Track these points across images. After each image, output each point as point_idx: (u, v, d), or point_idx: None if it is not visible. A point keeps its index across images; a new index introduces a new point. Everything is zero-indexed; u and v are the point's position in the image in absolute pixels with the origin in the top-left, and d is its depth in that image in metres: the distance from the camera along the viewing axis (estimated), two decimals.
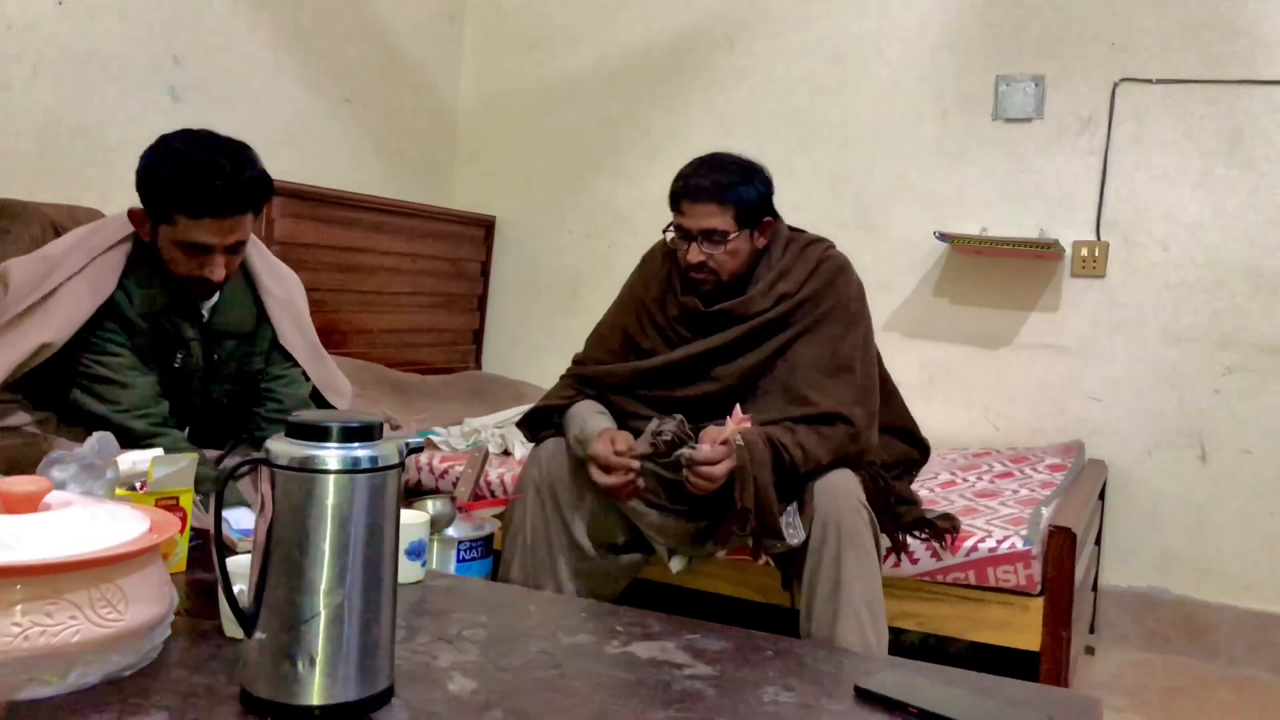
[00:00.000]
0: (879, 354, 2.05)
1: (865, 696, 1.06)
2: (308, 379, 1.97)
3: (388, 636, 0.97)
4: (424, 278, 3.49)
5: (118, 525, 1.01)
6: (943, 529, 2.04)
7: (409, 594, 1.31)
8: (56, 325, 1.64)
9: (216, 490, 0.93)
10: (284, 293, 1.93)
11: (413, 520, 1.37)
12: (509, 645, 1.14)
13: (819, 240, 2.03)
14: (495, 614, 1.25)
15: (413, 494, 2.30)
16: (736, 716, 1.00)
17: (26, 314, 1.65)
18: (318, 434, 0.93)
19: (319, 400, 2.01)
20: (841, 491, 1.82)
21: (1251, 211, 2.85)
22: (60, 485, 1.22)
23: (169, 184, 1.63)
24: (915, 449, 2.15)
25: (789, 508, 1.85)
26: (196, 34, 2.76)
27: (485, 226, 3.74)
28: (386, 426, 2.33)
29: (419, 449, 1.01)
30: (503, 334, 3.78)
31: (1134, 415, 2.97)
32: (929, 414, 2.21)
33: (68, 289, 1.66)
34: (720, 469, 1.75)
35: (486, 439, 2.76)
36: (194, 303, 1.79)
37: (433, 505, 1.64)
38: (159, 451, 1.30)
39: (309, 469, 0.92)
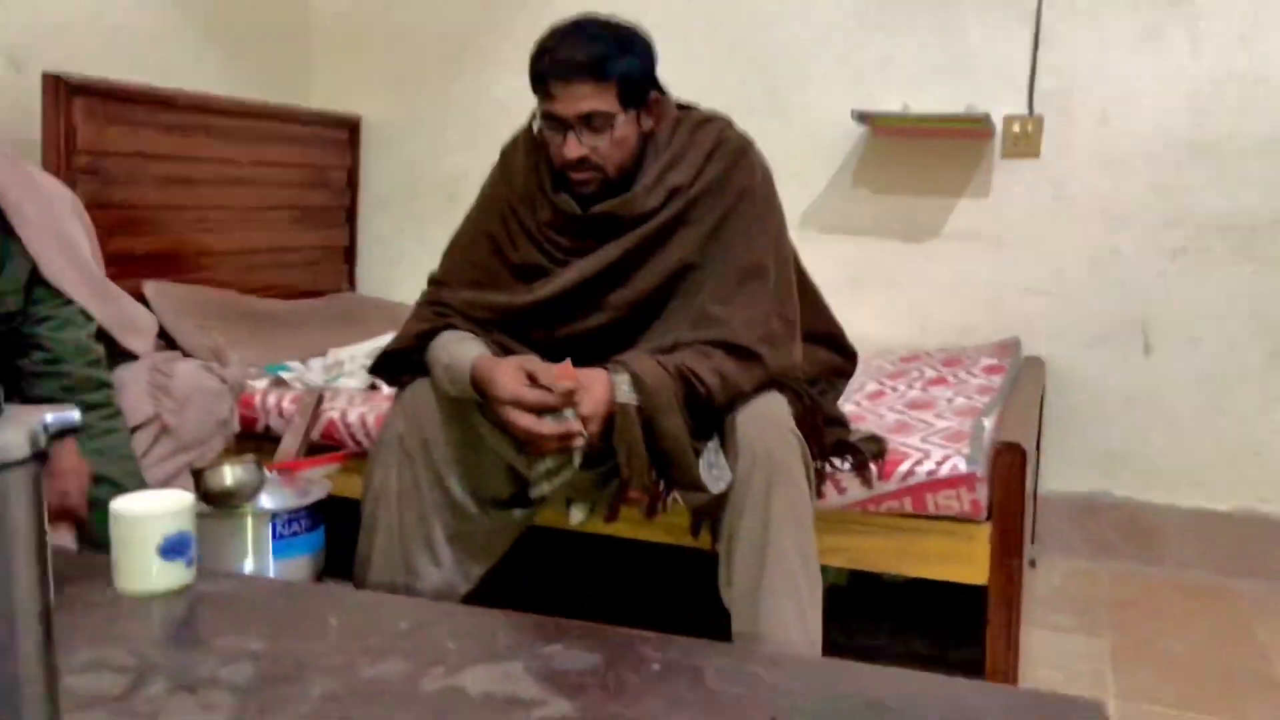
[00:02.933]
0: (795, 251, 1.73)
1: None
2: (90, 319, 1.55)
3: None
4: (278, 189, 3.03)
5: None
6: (868, 454, 1.75)
7: (164, 609, 0.96)
8: None
9: None
10: (40, 210, 1.51)
11: (162, 507, 1.00)
12: (283, 688, 0.80)
13: (713, 118, 1.68)
14: (277, 634, 0.91)
15: (252, 443, 1.93)
16: None
17: None
18: None
19: (109, 344, 1.61)
20: (769, 418, 1.52)
21: (1196, 71, 2.56)
22: None
23: None
24: (841, 357, 1.85)
25: (709, 444, 1.54)
26: None
27: (349, 127, 3.28)
28: (209, 361, 1.95)
29: (70, 429, 0.64)
30: (377, 250, 3.36)
31: (1072, 307, 2.71)
32: (851, 318, 1.93)
33: None
34: (591, 404, 1.43)
35: (350, 372, 2.37)
36: None
37: (230, 473, 1.27)
38: None
39: None
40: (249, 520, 1.33)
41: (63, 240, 1.57)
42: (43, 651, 0.62)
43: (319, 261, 3.23)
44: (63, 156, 2.32)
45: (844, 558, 1.86)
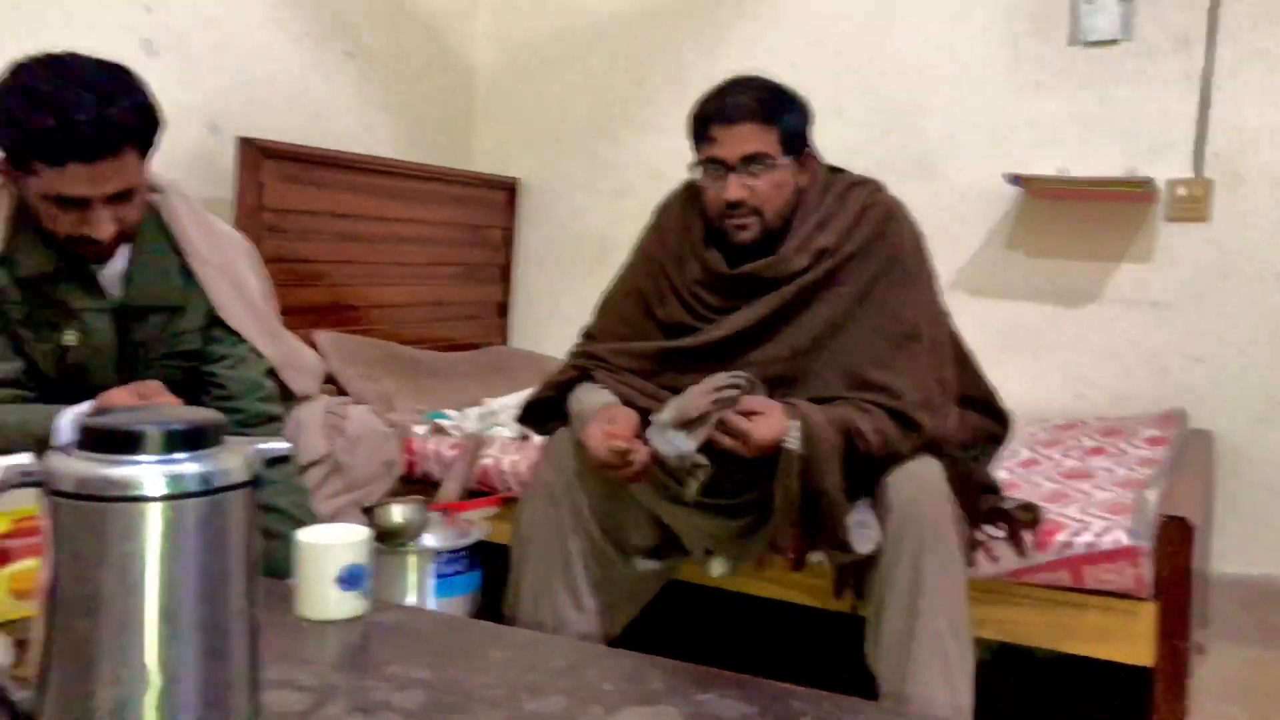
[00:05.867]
0: (948, 313, 1.71)
1: None
2: (261, 358, 1.67)
3: None
4: (441, 246, 3.20)
5: None
6: (1021, 522, 1.70)
7: (341, 635, 1.02)
8: None
9: None
10: (219, 256, 1.64)
11: (345, 539, 1.07)
12: (450, 717, 0.84)
13: (864, 181, 1.69)
14: (444, 665, 0.95)
15: (411, 485, 2.03)
16: None
17: None
18: (121, 442, 0.64)
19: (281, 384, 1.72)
20: (922, 481, 1.50)
21: None
22: None
23: (18, 125, 1.34)
24: (994, 422, 1.81)
25: (859, 504, 1.53)
26: None
27: (508, 189, 3.43)
28: (377, 406, 2.06)
29: (283, 458, 0.70)
30: (530, 305, 3.48)
31: (1243, 377, 2.57)
32: (1002, 382, 1.89)
33: None
34: (764, 430, 1.43)
35: (504, 421, 2.46)
36: (88, 268, 1.51)
37: (398, 512, 1.34)
38: (21, 459, 1.02)
39: (103, 496, 0.63)
40: (413, 558, 1.39)
41: (236, 283, 1.69)
42: (250, 661, 0.68)
43: (475, 316, 3.38)
44: (252, 214, 2.52)
45: (995, 629, 1.80)
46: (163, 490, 0.63)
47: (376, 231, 2.94)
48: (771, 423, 1.46)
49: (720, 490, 1.70)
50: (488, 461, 2.11)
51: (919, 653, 1.46)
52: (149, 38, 2.44)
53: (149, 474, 0.63)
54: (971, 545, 1.65)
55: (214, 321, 1.63)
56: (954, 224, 2.80)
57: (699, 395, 1.45)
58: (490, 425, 2.47)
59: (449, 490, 1.69)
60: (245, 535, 0.67)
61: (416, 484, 2.14)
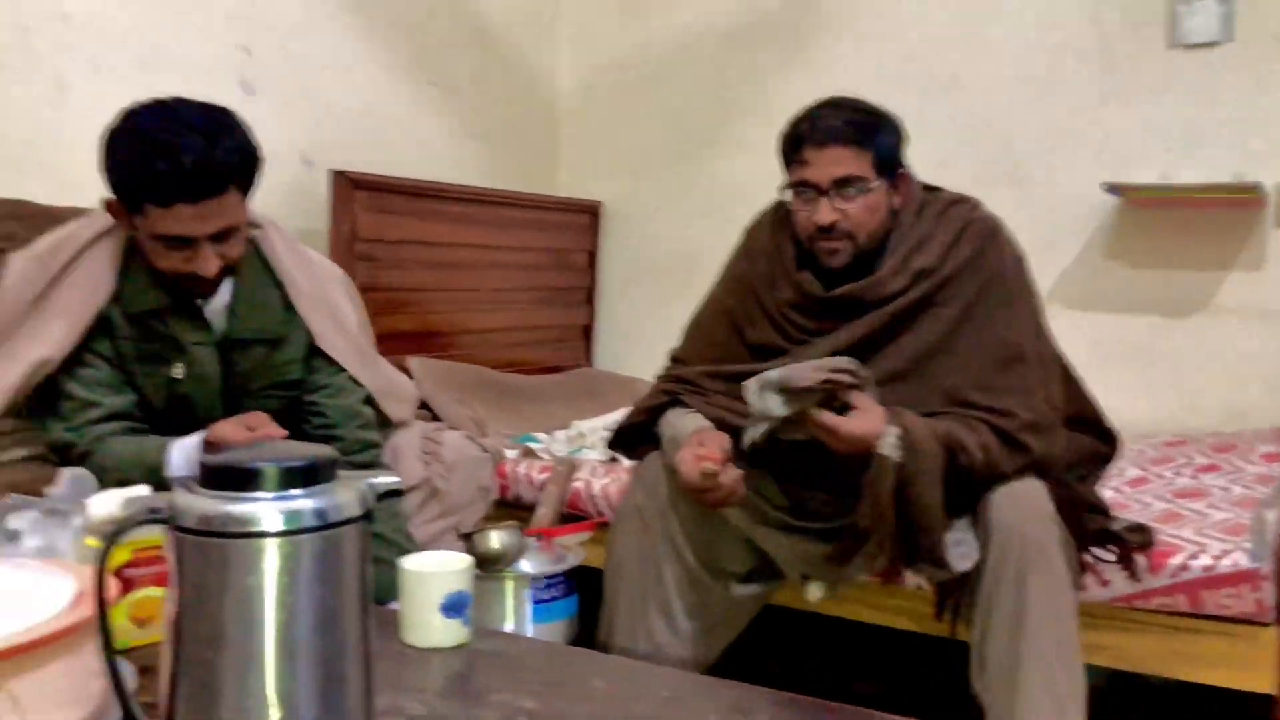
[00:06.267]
0: (1050, 332, 1.66)
1: None
2: (359, 385, 1.71)
3: None
4: (527, 271, 3.24)
5: (21, 603, 0.76)
6: (1132, 544, 1.64)
7: (445, 663, 1.02)
8: (55, 336, 1.43)
9: (102, 551, 0.66)
10: (316, 288, 1.68)
11: (449, 567, 1.08)
12: None
13: (961, 200, 1.65)
14: (548, 694, 0.95)
15: (503, 509, 2.04)
16: None
17: (19, 326, 1.44)
18: (239, 479, 0.65)
19: (376, 410, 1.76)
20: (1027, 501, 1.46)
21: None
22: (13, 538, 0.98)
23: (129, 168, 1.40)
24: (1100, 441, 1.75)
25: (958, 522, 1.49)
26: (266, 22, 2.57)
27: (591, 213, 3.46)
28: (471, 431, 2.09)
29: (396, 492, 0.71)
30: (615, 328, 3.50)
31: None
32: (1105, 398, 1.83)
33: (62, 292, 1.45)
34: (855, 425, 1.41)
35: (592, 444, 2.47)
36: (194, 302, 1.56)
37: (496, 537, 1.35)
38: (139, 491, 1.06)
39: (223, 532, 0.64)
40: (510, 583, 1.40)
41: (333, 314, 1.73)
42: (365, 690, 0.69)
43: (561, 339, 3.40)
44: (345, 245, 2.58)
45: (1106, 656, 1.73)
46: (280, 526, 0.65)
47: (464, 258, 2.98)
48: (867, 420, 1.43)
49: (816, 513, 1.68)
50: (578, 485, 2.11)
51: (1027, 680, 1.41)
52: (247, 78, 2.53)
53: (267, 510, 0.65)
54: (1080, 568, 1.59)
55: (313, 352, 1.67)
56: (1049, 236, 2.73)
57: (812, 369, 1.42)
58: (579, 448, 2.48)
59: (543, 515, 1.70)
60: (359, 568, 0.68)
61: (509, 508, 2.15)
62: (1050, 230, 2.73)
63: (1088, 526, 1.60)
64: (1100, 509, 1.67)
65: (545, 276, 3.32)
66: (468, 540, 1.46)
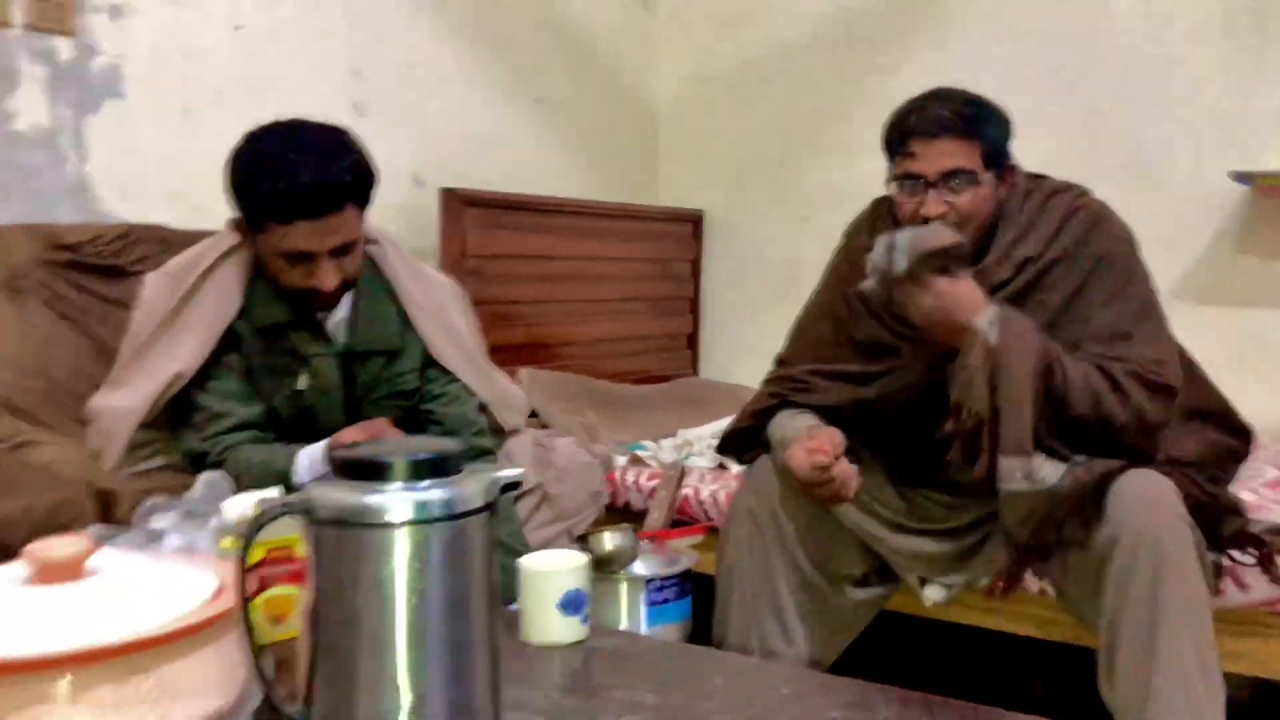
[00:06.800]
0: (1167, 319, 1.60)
1: None
2: (473, 394, 1.75)
3: None
4: (631, 281, 3.27)
5: (168, 595, 0.80)
6: (1273, 547, 1.55)
7: (565, 660, 1.04)
8: (187, 351, 1.51)
9: (241, 548, 0.70)
10: (431, 301, 1.73)
11: (566, 565, 1.10)
12: None
13: (1067, 187, 1.60)
14: (668, 690, 0.96)
15: (613, 515, 2.06)
16: None
17: (155, 342, 1.52)
18: (371, 471, 0.67)
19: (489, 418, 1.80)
20: (1157, 500, 1.40)
21: None
22: (157, 538, 1.04)
23: (252, 187, 1.46)
24: (1232, 437, 1.67)
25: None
26: (376, 46, 2.66)
27: (693, 221, 3.47)
28: (582, 438, 2.11)
29: (515, 485, 0.73)
30: (719, 335, 3.50)
31: None
32: (1239, 397, 1.74)
33: (193, 309, 1.53)
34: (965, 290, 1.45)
35: (699, 451, 2.47)
36: (316, 316, 1.62)
37: (610, 539, 1.36)
38: (271, 493, 1.10)
39: (360, 522, 0.66)
40: (625, 584, 1.41)
41: (448, 326, 1.78)
42: (492, 681, 0.70)
43: (666, 348, 3.42)
44: (455, 260, 2.65)
45: (1247, 664, 1.65)
46: (410, 516, 0.67)
47: (570, 271, 3.03)
48: (972, 290, 1.45)
49: (931, 514, 1.64)
50: (686, 491, 2.11)
51: (1162, 689, 1.35)
52: (359, 100, 2.62)
53: (397, 500, 0.67)
54: (1216, 572, 1.52)
55: (429, 362, 1.72)
56: (1175, 230, 2.61)
57: (946, 234, 1.46)
58: (686, 455, 2.48)
59: (655, 519, 1.71)
60: (485, 559, 0.70)
61: (618, 514, 2.17)
62: (1176, 224, 2.62)
63: (1225, 528, 1.52)
64: (1236, 509, 1.59)
65: (649, 286, 3.34)
66: (582, 542, 1.48)
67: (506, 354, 2.69)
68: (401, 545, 0.66)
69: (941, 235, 1.46)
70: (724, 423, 2.62)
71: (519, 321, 2.87)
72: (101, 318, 1.91)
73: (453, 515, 0.68)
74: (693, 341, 3.51)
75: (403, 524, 0.67)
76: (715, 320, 3.51)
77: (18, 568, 0.82)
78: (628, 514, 2.18)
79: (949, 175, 1.50)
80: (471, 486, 0.69)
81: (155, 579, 0.83)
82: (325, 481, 0.69)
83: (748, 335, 3.39)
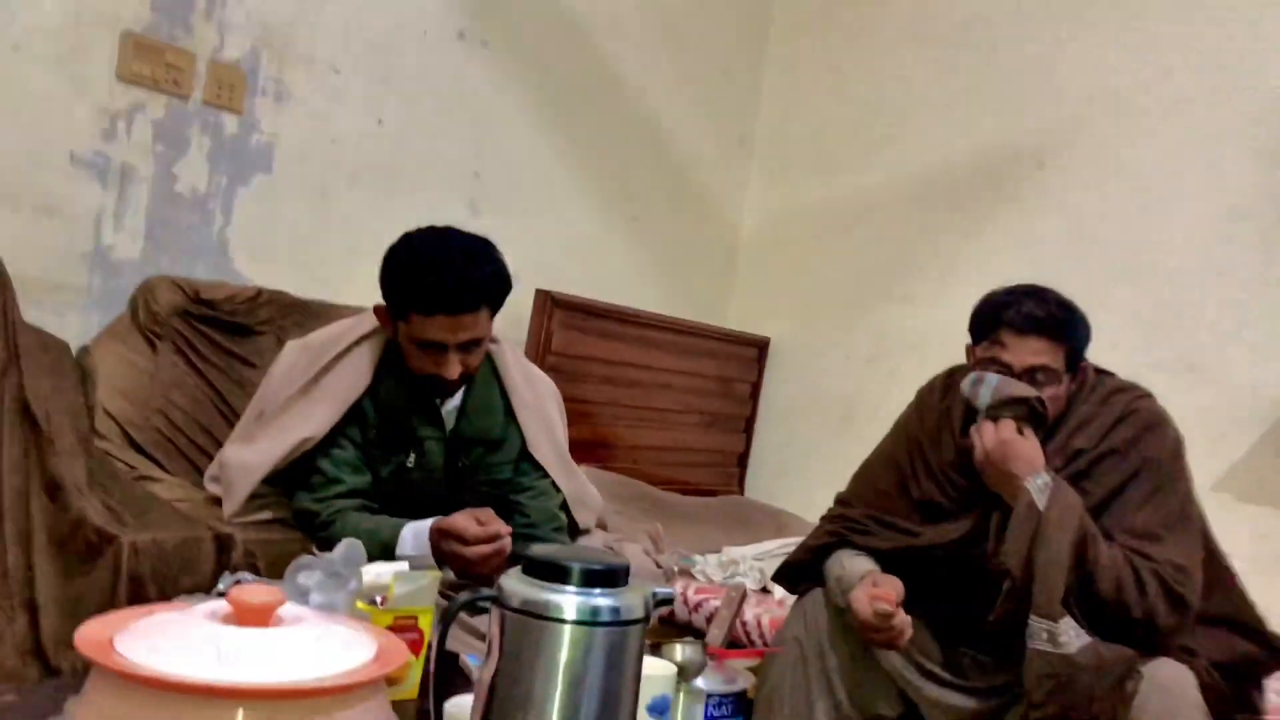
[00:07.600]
0: (1207, 526, 1.68)
1: None
2: (559, 491, 1.88)
3: None
4: (693, 396, 3.41)
5: (342, 650, 0.92)
6: None
7: None
8: (318, 419, 1.66)
9: (441, 626, 0.83)
10: (535, 398, 1.88)
11: (658, 671, 1.21)
12: None
13: (1128, 387, 1.71)
14: None
15: (664, 626, 2.15)
16: None
17: (288, 407, 1.67)
18: (555, 573, 0.81)
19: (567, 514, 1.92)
20: (1175, 688, 1.48)
21: None
22: (303, 593, 1.17)
23: (403, 281, 1.64)
24: (1262, 648, 1.73)
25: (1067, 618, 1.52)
26: (497, 152, 2.88)
27: (759, 347, 3.62)
28: (648, 545, 2.22)
29: (668, 601, 0.85)
30: (769, 458, 3.61)
31: None
32: (1275, 601, 1.79)
33: (328, 382, 1.68)
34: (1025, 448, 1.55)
35: (744, 572, 2.56)
36: (434, 401, 1.76)
37: (681, 651, 1.46)
38: (403, 566, 1.23)
39: (541, 615, 0.79)
40: (684, 695, 1.50)
41: (546, 424, 1.92)
42: None
43: (716, 464, 3.54)
44: (539, 356, 2.82)
45: None
46: (580, 616, 0.80)
47: (638, 378, 3.18)
48: (1034, 450, 1.57)
49: (968, 671, 1.72)
50: None
51: None
52: (474, 197, 2.83)
53: (573, 602, 0.80)
54: None
55: (523, 455, 1.86)
56: (1225, 426, 2.69)
57: (1031, 390, 1.59)
58: (732, 574, 2.57)
59: (715, 635, 1.80)
60: (637, 664, 0.82)
61: (667, 625, 2.26)
62: (1226, 420, 2.69)
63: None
64: (1255, 708, 1.65)
65: (709, 402, 3.48)
66: (655, 651, 1.58)
67: (572, 451, 2.82)
68: (573, 640, 0.79)
69: (1027, 389, 1.59)
70: (769, 545, 2.74)
71: (585, 420, 3.01)
72: (224, 370, 2.08)
73: (616, 622, 0.80)
74: (743, 460, 3.63)
75: (573, 622, 0.79)
76: (767, 443, 3.62)
77: (220, 605, 0.95)
78: (673, 625, 2.26)
79: (1033, 370, 1.62)
80: (634, 599, 0.82)
81: (330, 636, 0.96)
82: (516, 575, 0.82)
83: (796, 462, 3.50)
